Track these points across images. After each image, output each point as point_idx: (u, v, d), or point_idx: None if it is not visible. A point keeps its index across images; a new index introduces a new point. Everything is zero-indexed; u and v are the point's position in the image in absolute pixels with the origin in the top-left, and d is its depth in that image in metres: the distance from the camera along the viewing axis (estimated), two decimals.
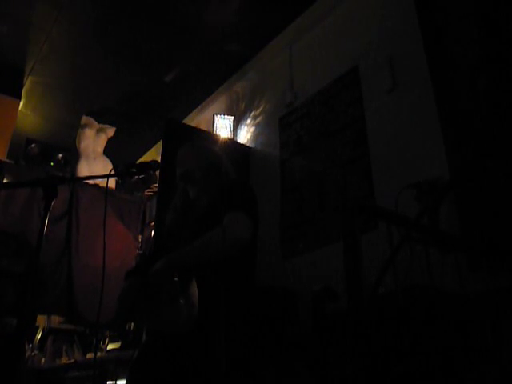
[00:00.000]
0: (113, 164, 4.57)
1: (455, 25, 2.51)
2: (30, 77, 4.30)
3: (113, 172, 1.96)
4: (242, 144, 3.88)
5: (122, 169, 1.99)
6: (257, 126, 3.87)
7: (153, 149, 5.20)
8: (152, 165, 2.01)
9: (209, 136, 3.68)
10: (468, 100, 2.25)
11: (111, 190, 4.50)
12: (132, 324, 3.78)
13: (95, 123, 4.70)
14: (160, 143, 5.06)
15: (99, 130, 4.69)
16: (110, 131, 4.77)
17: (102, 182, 4.43)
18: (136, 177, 4.37)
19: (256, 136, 3.84)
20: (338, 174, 2.98)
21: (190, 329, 1.64)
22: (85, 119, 4.65)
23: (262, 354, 2.16)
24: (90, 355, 3.73)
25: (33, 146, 4.21)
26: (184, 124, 4.10)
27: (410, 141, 2.61)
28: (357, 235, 1.18)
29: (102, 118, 4.64)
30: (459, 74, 2.42)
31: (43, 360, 4.01)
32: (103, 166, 4.57)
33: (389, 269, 1.18)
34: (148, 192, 4.51)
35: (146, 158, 5.24)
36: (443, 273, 1.80)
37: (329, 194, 3.00)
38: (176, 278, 1.69)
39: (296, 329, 2.60)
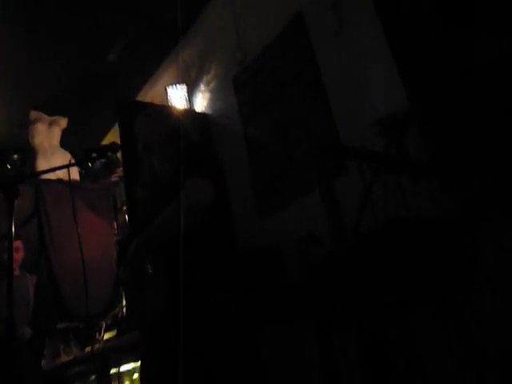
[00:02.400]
0: (72, 155, 4.43)
1: None
2: None
3: (73, 161, 1.90)
4: (200, 112, 3.80)
5: (82, 156, 1.93)
6: (211, 91, 3.78)
7: (111, 132, 5.05)
8: (111, 146, 1.95)
9: (164, 109, 3.59)
10: (416, 25, 2.23)
11: (76, 181, 4.39)
12: (124, 310, 3.78)
13: (45, 117, 4.52)
14: (116, 126, 4.94)
15: (51, 123, 4.52)
16: (63, 122, 4.60)
17: (65, 176, 4.30)
18: (99, 162, 4.26)
19: (212, 101, 3.76)
20: (300, 123, 2.96)
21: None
22: (34, 114, 4.47)
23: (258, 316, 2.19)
24: (88, 348, 3.72)
25: None
26: (137, 101, 3.99)
27: (366, 79, 2.60)
28: (329, 174, 1.17)
29: (52, 109, 4.45)
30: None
31: (42, 362, 3.98)
32: (62, 159, 4.42)
33: (366, 206, 1.18)
34: (114, 177, 4.41)
35: (106, 142, 5.09)
36: (418, 200, 1.84)
37: (295, 146, 2.99)
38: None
39: (285, 282, 2.63)
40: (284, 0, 3.16)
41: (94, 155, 1.89)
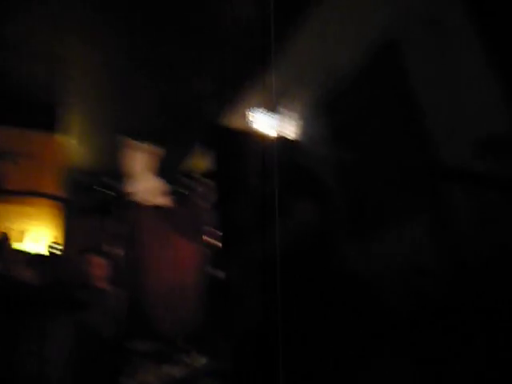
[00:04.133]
0: (161, 179, 4.59)
1: None
2: (69, 111, 4.40)
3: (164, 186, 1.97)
4: (288, 139, 3.81)
5: (175, 182, 1.99)
6: (299, 117, 3.79)
7: (197, 158, 5.20)
8: (206, 171, 2.01)
9: (252, 135, 3.64)
10: None
11: (167, 205, 4.53)
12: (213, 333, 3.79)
13: (136, 143, 4.73)
14: (203, 152, 5.08)
15: (143, 150, 4.72)
16: (152, 149, 4.79)
17: (156, 201, 4.46)
18: (189, 187, 4.40)
19: (302, 127, 3.76)
20: (395, 146, 2.88)
21: None
22: (125, 141, 4.70)
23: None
24: (177, 372, 3.75)
25: (84, 176, 4.30)
26: (227, 126, 4.08)
27: (466, 100, 2.49)
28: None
29: (144, 136, 4.67)
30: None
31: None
32: (152, 184, 4.60)
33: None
34: (204, 202, 4.50)
35: (192, 167, 5.25)
36: None
37: (390, 170, 2.90)
38: None
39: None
40: (376, 24, 3.13)
41: (189, 179, 1.94)
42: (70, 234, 3.83)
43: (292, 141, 3.77)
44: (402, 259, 2.51)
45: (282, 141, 3.68)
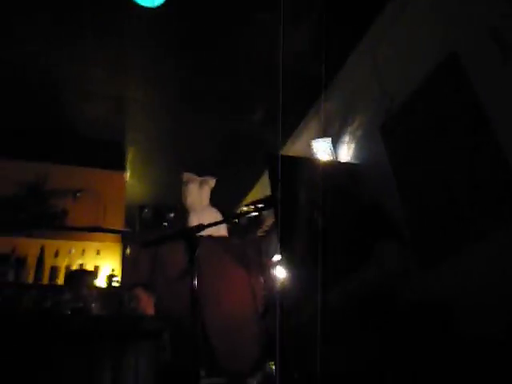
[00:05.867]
0: (220, 212, 4.64)
1: None
2: (130, 148, 4.57)
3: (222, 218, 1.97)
4: (346, 163, 3.75)
5: (249, 207, 1.97)
6: (357, 141, 3.73)
7: (255, 188, 5.23)
8: (268, 199, 1.98)
9: (312, 162, 3.61)
10: None
11: (225, 237, 4.55)
12: (273, 368, 3.68)
13: (196, 177, 4.83)
14: (261, 181, 5.11)
15: (201, 183, 4.80)
16: (212, 182, 4.87)
17: (214, 232, 4.50)
18: (245, 218, 4.41)
19: (358, 152, 3.70)
20: (463, 164, 2.74)
21: None
22: (186, 176, 4.80)
23: None
24: None
25: (146, 211, 4.41)
26: (285, 155, 4.08)
27: None
28: None
29: (202, 170, 4.76)
30: None
31: None
32: (212, 217, 4.64)
33: None
34: (261, 232, 4.49)
35: (250, 198, 5.28)
36: None
37: (457, 191, 2.75)
38: None
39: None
40: (431, 41, 3.05)
41: (262, 206, 1.92)
42: (133, 267, 3.90)
43: (352, 164, 3.70)
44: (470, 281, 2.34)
45: (341, 167, 3.62)
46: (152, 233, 4.23)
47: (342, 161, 3.83)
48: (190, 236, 1.70)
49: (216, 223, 1.97)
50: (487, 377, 1.94)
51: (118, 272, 4.06)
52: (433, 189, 2.93)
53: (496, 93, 2.58)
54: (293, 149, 4.52)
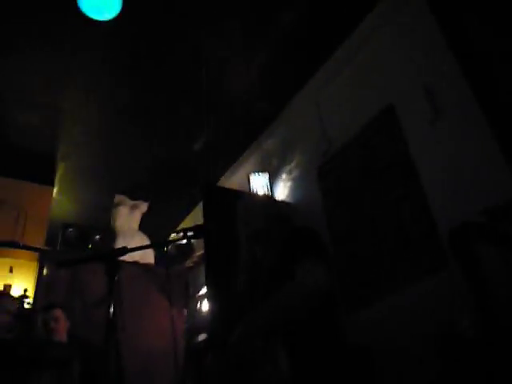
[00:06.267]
0: (150, 238, 4.50)
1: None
2: (61, 163, 4.35)
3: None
4: (281, 201, 3.78)
5: (178, 234, 1.91)
6: (293, 180, 3.78)
7: (187, 217, 5.14)
8: (205, 226, 1.93)
9: (248, 196, 3.60)
10: None
11: (151, 265, 4.39)
12: None
13: (128, 200, 4.68)
14: (194, 211, 5.02)
15: (133, 207, 4.66)
16: (144, 206, 4.74)
17: (141, 259, 4.34)
18: (174, 247, 4.29)
19: (294, 190, 3.74)
20: (391, 214, 2.83)
21: None
22: (118, 198, 4.65)
23: None
24: None
25: (70, 230, 4.18)
26: (221, 187, 4.04)
27: (466, 167, 2.47)
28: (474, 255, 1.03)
29: (135, 194, 4.62)
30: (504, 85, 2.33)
31: None
32: (140, 242, 4.49)
33: None
34: (189, 263, 4.38)
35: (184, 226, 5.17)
36: None
37: (384, 237, 2.84)
38: (259, 344, 1.54)
39: None
40: (372, 91, 3.19)
41: (192, 234, 1.86)
42: (49, 289, 3.64)
43: (287, 202, 3.73)
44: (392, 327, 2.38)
45: (276, 202, 3.63)
46: (74, 254, 3.99)
47: (278, 197, 3.85)
48: (111, 259, 1.60)
49: (141, 247, 1.88)
50: None
51: (31, 293, 3.77)
52: (360, 236, 3.00)
53: (425, 148, 2.72)
54: (230, 181, 4.51)
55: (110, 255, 1.64)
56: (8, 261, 3.85)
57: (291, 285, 1.57)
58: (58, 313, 3.21)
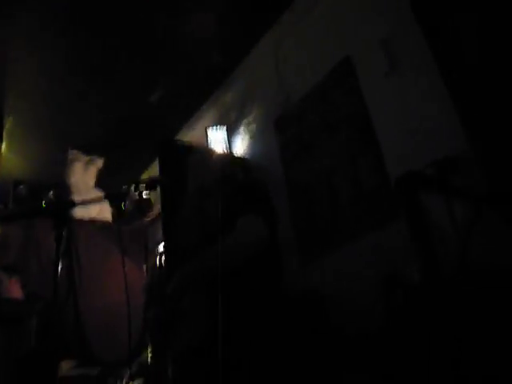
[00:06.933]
0: (106, 192, 4.40)
1: None
2: (9, 117, 4.13)
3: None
4: (238, 156, 3.75)
5: (131, 187, 1.87)
6: (252, 133, 3.75)
7: (145, 173, 5.04)
8: (156, 179, 1.90)
9: (205, 150, 3.55)
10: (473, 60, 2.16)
11: (108, 222, 4.32)
12: (150, 357, 3.58)
13: (83, 156, 4.52)
14: (151, 167, 4.94)
15: (88, 163, 4.51)
16: (99, 162, 4.60)
17: (98, 216, 4.26)
18: (131, 203, 4.22)
19: (253, 144, 3.72)
20: (347, 167, 2.86)
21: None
22: (72, 153, 4.48)
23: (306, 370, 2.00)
24: None
25: (21, 187, 4.04)
26: (177, 140, 3.96)
27: (420, 119, 2.50)
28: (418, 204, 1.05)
29: (90, 149, 4.47)
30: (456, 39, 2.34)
31: None
32: (97, 197, 4.39)
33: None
34: (146, 219, 4.34)
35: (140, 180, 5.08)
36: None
37: (340, 189, 2.88)
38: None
39: (329, 335, 2.45)
40: (329, 43, 3.15)
41: (144, 185, 1.83)
42: (2, 247, 3.54)
43: (242, 156, 3.71)
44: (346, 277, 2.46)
45: (232, 156, 3.61)
46: (26, 208, 3.87)
47: (237, 150, 3.82)
48: (59, 213, 1.54)
49: (90, 201, 1.83)
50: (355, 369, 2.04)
51: None
52: (317, 188, 3.03)
53: (380, 101, 2.73)
54: (188, 135, 4.42)
55: (58, 208, 1.58)
56: None
57: (229, 235, 1.60)
58: (1, 276, 3.14)
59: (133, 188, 1.84)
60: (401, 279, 1.63)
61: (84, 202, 1.81)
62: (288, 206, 3.19)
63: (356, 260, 2.62)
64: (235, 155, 3.73)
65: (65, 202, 1.62)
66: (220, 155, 3.29)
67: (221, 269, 1.56)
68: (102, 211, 4.35)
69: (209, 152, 2.94)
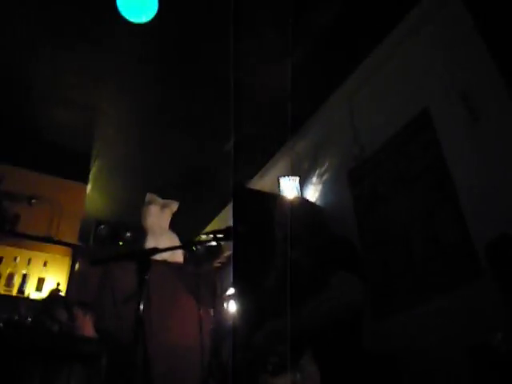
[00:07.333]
0: (179, 237, 4.54)
1: None
2: (96, 160, 4.45)
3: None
4: (317, 205, 3.75)
5: (208, 236, 1.92)
6: (324, 183, 3.76)
7: (216, 218, 5.17)
8: (228, 230, 1.93)
9: (279, 198, 3.59)
10: None
11: (180, 264, 4.43)
12: None
13: (159, 199, 4.73)
14: (223, 211, 5.05)
15: (163, 206, 4.71)
16: (174, 206, 4.78)
17: (170, 258, 4.39)
18: (203, 247, 4.32)
19: (325, 194, 3.71)
20: (423, 220, 2.78)
21: None
22: (149, 196, 4.70)
23: None
24: None
25: (102, 227, 4.27)
26: (252, 189, 4.05)
27: (503, 174, 2.40)
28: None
29: (166, 193, 4.67)
30: None
31: None
32: (170, 241, 4.53)
33: None
34: (216, 263, 4.41)
35: (211, 227, 5.20)
36: None
37: (416, 244, 2.78)
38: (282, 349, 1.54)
39: None
40: (406, 95, 3.14)
41: (221, 236, 1.87)
42: (81, 284, 3.73)
43: (318, 206, 3.70)
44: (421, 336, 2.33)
45: (307, 206, 3.61)
46: (105, 250, 4.08)
47: (309, 199, 3.83)
48: (143, 258, 1.62)
49: (172, 248, 1.91)
50: None
51: (63, 287, 3.87)
52: (392, 241, 2.95)
53: (460, 154, 2.65)
54: (260, 184, 4.51)
55: (142, 254, 1.67)
56: (43, 255, 3.96)
57: (326, 295, 1.57)
58: (78, 312, 3.26)
59: (211, 236, 1.89)
60: (490, 349, 1.52)
61: (167, 249, 1.87)
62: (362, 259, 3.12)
63: (431, 320, 2.49)
64: (314, 205, 3.73)
65: (150, 249, 1.70)
66: (305, 204, 3.30)
67: (314, 331, 1.55)
68: (174, 253, 4.48)
69: (294, 200, 2.96)
